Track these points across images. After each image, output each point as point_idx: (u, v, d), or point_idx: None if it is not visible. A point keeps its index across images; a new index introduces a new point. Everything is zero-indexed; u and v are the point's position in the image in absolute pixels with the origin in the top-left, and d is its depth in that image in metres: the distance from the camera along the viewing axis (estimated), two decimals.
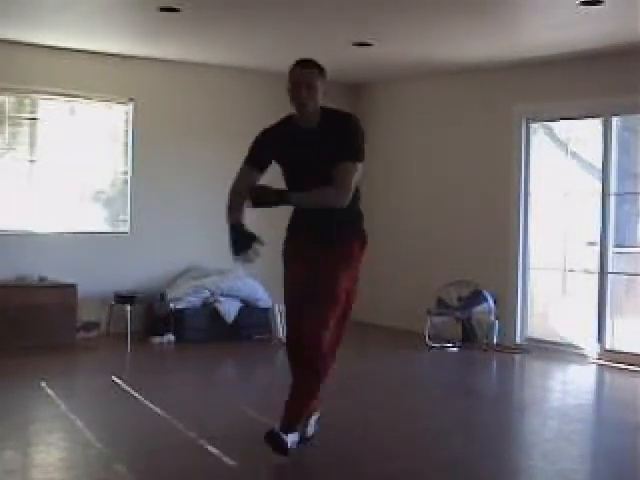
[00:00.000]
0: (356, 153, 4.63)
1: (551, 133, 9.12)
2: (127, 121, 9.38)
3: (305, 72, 4.63)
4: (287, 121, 4.80)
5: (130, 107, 9.35)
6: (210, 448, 5.11)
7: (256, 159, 4.81)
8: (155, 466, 4.87)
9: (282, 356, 8.77)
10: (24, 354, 8.00)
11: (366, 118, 9.88)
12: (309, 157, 4.67)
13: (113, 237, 9.39)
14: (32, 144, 8.91)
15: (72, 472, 4.71)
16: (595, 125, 8.58)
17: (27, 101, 8.86)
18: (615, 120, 8.39)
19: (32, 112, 8.90)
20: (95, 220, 9.40)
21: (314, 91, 4.61)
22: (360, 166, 4.64)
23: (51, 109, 9.01)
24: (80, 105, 9.18)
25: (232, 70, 9.89)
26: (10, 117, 8.76)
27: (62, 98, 9.00)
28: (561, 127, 9.05)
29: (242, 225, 4.70)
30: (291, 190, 4.75)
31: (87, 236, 9.20)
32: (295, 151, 4.72)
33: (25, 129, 8.87)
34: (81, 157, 9.20)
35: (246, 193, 4.66)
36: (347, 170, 4.57)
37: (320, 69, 4.68)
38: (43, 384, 6.81)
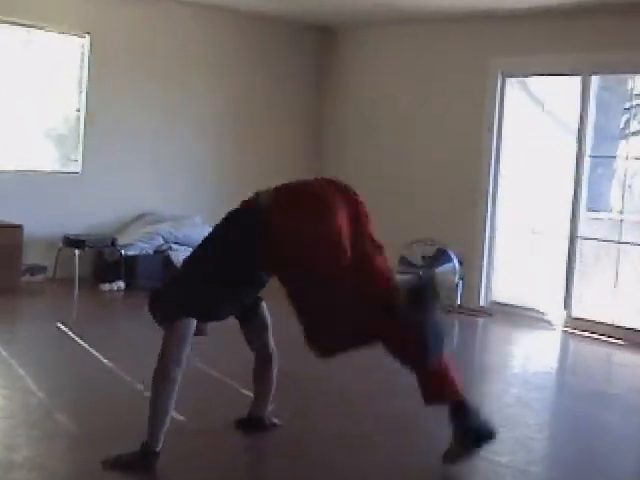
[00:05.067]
0: None
1: (527, 89, 8.84)
2: (83, 55, 8.92)
3: None
4: None
5: (86, 41, 8.88)
6: None
7: None
8: (98, 417, 4.71)
9: None
10: None
11: (335, 64, 9.50)
12: None
13: (63, 177, 8.96)
14: None
15: (9, 421, 4.54)
16: (573, 83, 8.29)
17: None
18: (594, 79, 8.13)
19: None
20: (45, 158, 8.97)
21: None
22: None
23: (3, 39, 8.51)
24: (34, 37, 8.69)
25: (198, 7, 9.39)
26: None
27: (16, 27, 8.50)
28: (538, 84, 8.77)
29: None
30: None
31: (35, 174, 8.75)
32: None
33: None
34: (33, 91, 8.74)
35: None
36: None
37: None
38: None
